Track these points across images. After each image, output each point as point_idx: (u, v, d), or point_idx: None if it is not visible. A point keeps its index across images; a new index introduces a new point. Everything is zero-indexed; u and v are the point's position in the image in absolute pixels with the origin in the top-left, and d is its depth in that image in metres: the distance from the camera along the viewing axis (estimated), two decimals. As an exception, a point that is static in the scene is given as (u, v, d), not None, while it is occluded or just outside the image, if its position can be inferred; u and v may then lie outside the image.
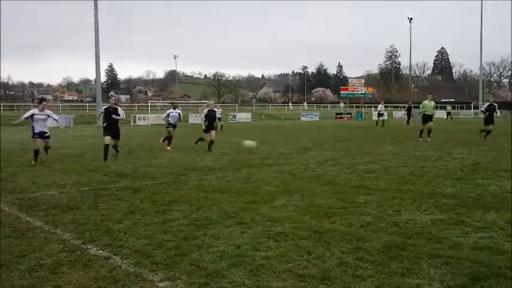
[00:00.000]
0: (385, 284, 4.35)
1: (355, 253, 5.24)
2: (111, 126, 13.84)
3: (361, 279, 4.49)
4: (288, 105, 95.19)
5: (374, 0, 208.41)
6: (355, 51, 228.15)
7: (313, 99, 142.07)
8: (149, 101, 62.34)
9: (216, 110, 17.37)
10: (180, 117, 18.46)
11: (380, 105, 38.20)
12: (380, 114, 37.06)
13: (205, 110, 17.09)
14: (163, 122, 18.76)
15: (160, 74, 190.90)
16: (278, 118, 57.26)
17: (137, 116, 44.72)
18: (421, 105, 22.06)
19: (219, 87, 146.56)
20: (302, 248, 5.41)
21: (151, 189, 9.22)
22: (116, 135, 14.04)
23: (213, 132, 16.85)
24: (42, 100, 13.74)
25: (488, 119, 21.66)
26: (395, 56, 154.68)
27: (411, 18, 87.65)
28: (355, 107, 75.61)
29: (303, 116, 57.60)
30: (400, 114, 60.42)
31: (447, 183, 9.68)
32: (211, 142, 16.64)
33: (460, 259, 4.99)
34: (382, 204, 7.74)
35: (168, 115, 18.07)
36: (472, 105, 76.54)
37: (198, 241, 5.73)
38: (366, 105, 75.14)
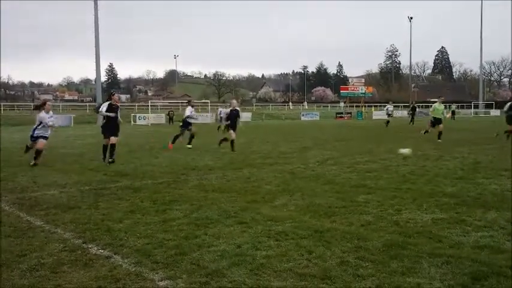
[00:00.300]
0: (386, 283, 4.35)
1: (355, 252, 5.23)
2: (111, 125, 13.27)
3: (362, 278, 4.49)
4: (288, 105, 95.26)
5: (374, 0, 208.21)
6: (355, 51, 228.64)
7: (313, 98, 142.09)
8: (149, 101, 62.43)
9: (238, 108, 17.29)
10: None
11: (388, 105, 38.26)
12: (389, 115, 36.89)
13: (228, 110, 16.81)
14: (192, 120, 18.49)
15: (160, 74, 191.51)
16: (278, 118, 57.29)
17: (137, 115, 44.73)
18: (431, 109, 21.64)
19: (219, 87, 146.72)
20: (303, 247, 5.41)
21: (151, 189, 9.22)
22: (115, 132, 13.33)
23: (233, 132, 16.63)
24: (45, 102, 13.57)
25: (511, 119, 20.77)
26: (395, 55, 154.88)
27: (411, 18, 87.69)
28: (355, 106, 75.69)
29: (303, 115, 57.61)
30: (400, 113, 60.48)
31: (447, 183, 9.68)
32: (233, 142, 16.48)
33: (460, 258, 4.99)
34: (382, 203, 7.74)
35: (190, 115, 18.11)
36: (472, 104, 76.61)
37: (198, 240, 5.74)
38: (366, 104, 75.19)
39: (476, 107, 77.97)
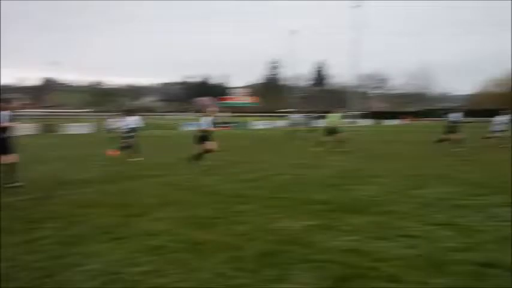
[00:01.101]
0: (259, 292, 4.44)
1: (231, 263, 5.29)
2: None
3: (236, 288, 4.54)
4: (171, 115, 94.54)
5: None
6: (241, 63, 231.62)
7: (196, 108, 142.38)
8: (21, 110, 58.31)
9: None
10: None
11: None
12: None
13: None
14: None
15: (35, 81, 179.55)
16: (162, 128, 56.38)
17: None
18: (327, 120, 21.74)
19: (100, 96, 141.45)
20: (179, 261, 5.35)
21: (17, 206, 8.55)
22: (6, 150, 10.48)
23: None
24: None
25: None
26: (276, 67, 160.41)
27: (292, 32, 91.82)
28: (239, 116, 77.25)
29: (185, 125, 57.22)
30: (279, 124, 62.52)
31: (320, 190, 10.16)
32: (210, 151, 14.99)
33: (330, 262, 5.25)
34: (258, 212, 7.91)
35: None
36: (349, 114, 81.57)
37: (68, 260, 5.43)
38: (250, 114, 76.95)
39: (353, 117, 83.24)
